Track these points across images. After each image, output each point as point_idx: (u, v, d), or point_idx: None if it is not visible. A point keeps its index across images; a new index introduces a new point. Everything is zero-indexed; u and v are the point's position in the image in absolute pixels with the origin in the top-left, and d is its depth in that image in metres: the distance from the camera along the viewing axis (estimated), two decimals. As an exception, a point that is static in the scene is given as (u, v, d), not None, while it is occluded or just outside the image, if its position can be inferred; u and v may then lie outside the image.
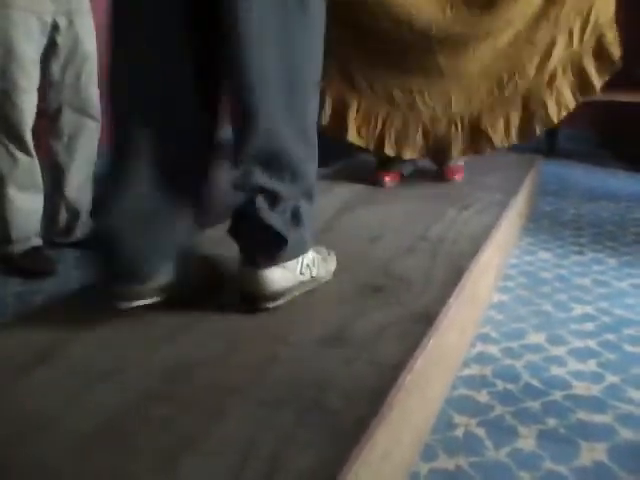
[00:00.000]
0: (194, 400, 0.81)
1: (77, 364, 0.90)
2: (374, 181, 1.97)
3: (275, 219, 1.01)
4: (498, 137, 1.84)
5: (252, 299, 1.05)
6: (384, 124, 1.90)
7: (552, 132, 3.44)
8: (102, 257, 1.03)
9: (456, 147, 1.88)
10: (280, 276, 1.04)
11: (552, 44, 1.76)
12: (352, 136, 1.90)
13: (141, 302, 1.02)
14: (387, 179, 1.97)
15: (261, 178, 1.01)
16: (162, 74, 1.00)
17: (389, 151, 1.91)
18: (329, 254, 1.21)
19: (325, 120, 1.88)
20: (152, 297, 1.02)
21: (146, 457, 0.70)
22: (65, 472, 0.68)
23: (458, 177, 2.03)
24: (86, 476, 0.67)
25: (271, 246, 1.03)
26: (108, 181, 1.04)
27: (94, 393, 0.83)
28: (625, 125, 3.50)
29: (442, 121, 1.87)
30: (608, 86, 3.30)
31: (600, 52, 1.78)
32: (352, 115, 1.89)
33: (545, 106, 1.80)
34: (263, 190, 1.01)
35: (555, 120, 1.81)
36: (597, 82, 1.79)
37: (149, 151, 1.00)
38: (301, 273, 1.08)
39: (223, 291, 1.12)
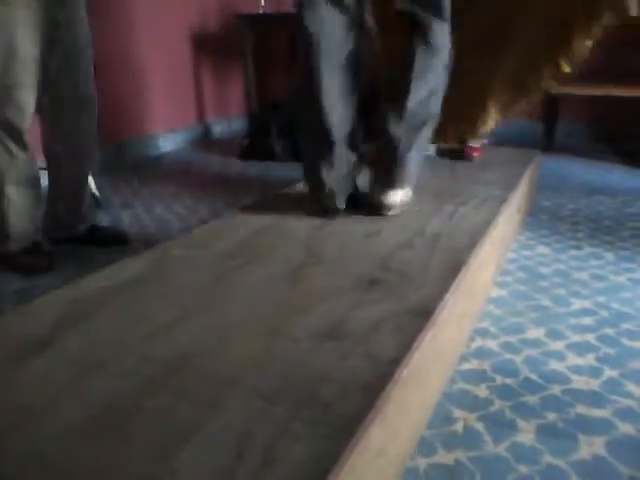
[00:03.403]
0: (190, 391, 0.80)
1: (73, 355, 0.90)
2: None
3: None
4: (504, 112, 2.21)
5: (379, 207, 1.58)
6: None
7: (550, 127, 3.44)
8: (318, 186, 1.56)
9: (482, 127, 2.16)
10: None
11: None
12: None
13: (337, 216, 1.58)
14: None
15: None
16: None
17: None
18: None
19: None
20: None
21: (141, 447, 0.69)
22: (61, 461, 0.68)
23: (477, 155, 2.18)
24: (81, 465, 0.67)
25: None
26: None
27: (90, 383, 0.82)
28: (622, 120, 3.50)
29: (475, 106, 2.14)
30: (606, 81, 3.31)
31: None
32: None
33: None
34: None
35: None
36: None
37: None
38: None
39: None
